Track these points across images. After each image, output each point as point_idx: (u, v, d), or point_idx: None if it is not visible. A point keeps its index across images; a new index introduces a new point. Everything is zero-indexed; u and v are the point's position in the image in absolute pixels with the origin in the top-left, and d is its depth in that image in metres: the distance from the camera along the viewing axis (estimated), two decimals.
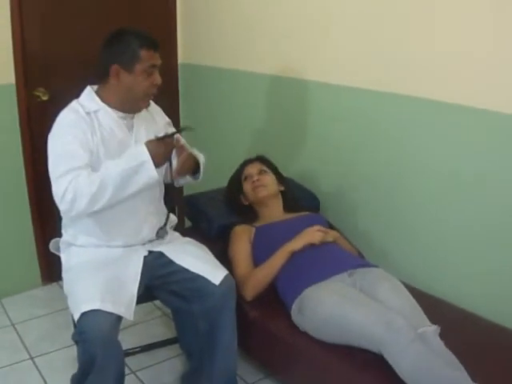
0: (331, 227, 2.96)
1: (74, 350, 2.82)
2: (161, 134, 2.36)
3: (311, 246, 2.62)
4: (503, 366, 2.18)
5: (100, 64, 2.38)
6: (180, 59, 4.13)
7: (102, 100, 2.41)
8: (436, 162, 2.70)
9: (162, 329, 3.29)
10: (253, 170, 3.01)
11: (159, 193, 2.62)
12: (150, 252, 2.50)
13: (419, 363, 2.00)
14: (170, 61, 4.01)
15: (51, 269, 3.65)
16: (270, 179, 2.98)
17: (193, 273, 2.42)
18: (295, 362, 2.46)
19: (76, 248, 2.47)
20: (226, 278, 2.44)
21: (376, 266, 2.61)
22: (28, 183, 3.51)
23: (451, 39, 2.50)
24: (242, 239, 2.81)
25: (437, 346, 2.11)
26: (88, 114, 2.36)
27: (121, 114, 2.44)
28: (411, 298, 2.36)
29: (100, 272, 2.32)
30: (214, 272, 2.45)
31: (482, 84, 2.43)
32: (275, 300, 2.59)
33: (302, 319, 2.42)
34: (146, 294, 2.46)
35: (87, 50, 3.54)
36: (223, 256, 2.72)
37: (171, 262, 2.47)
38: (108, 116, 2.39)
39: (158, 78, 2.38)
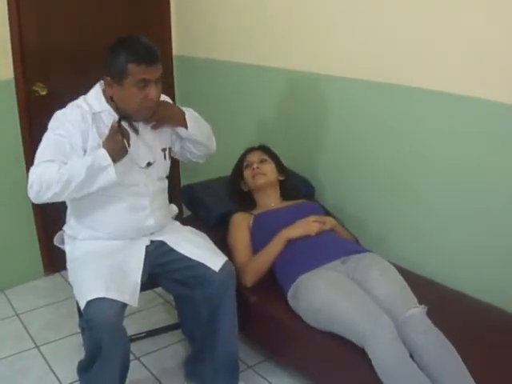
0: (328, 214, 3.03)
1: (78, 338, 2.92)
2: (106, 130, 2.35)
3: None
4: (490, 343, 2.26)
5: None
6: (174, 51, 4.16)
7: (107, 101, 2.40)
8: (426, 150, 2.76)
9: (164, 315, 3.36)
10: (254, 158, 3.09)
11: (163, 187, 2.66)
12: (152, 241, 2.55)
13: (396, 362, 2.10)
14: (165, 53, 4.03)
15: (53, 259, 3.72)
16: (269, 168, 3.06)
17: (193, 260, 2.48)
18: (294, 345, 2.55)
19: (79, 241, 2.52)
20: (225, 264, 2.50)
21: (369, 251, 2.69)
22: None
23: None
24: (241, 227, 2.88)
25: (424, 326, 2.20)
26: (97, 113, 2.38)
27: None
28: (401, 280, 2.44)
29: (104, 261, 2.38)
30: (213, 259, 2.50)
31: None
32: (274, 285, 2.66)
33: (296, 305, 2.51)
34: (149, 281, 2.52)
35: (84, 45, 3.63)
36: (223, 243, 2.78)
37: (172, 250, 2.53)
38: (111, 118, 2.37)
39: (152, 92, 2.32)
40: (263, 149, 3.17)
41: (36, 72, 3.49)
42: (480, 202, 2.60)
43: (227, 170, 3.23)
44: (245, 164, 3.12)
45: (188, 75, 4.09)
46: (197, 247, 2.55)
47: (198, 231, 2.71)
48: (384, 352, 2.12)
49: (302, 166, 3.37)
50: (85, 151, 2.33)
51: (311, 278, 2.47)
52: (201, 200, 3.20)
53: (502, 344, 2.26)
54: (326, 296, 2.36)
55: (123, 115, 2.37)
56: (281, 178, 3.12)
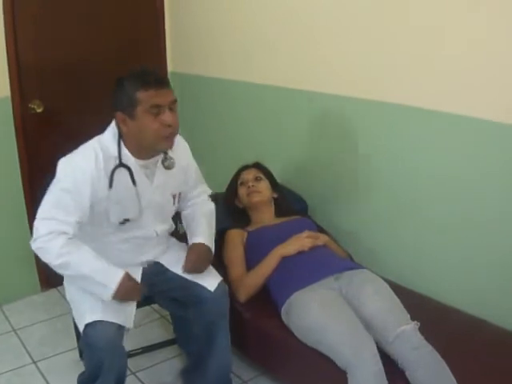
0: (321, 230, 3.07)
1: (75, 354, 2.95)
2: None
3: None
4: (481, 358, 2.29)
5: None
6: (169, 68, 4.18)
7: (125, 144, 2.33)
8: (420, 165, 2.79)
9: (160, 331, 3.38)
10: (249, 175, 3.13)
11: (168, 228, 2.69)
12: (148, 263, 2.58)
13: None
14: (160, 70, 4.04)
15: (49, 275, 3.63)
16: (264, 186, 3.10)
17: (188, 280, 2.51)
18: (288, 360, 2.58)
19: None
20: (220, 284, 2.52)
21: (362, 268, 2.71)
22: (25, 193, 3.58)
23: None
24: (236, 243, 2.92)
25: (416, 342, 2.23)
26: (109, 158, 2.31)
27: (141, 162, 2.38)
28: (394, 297, 2.48)
29: None
30: (208, 279, 2.52)
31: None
32: (268, 300, 2.69)
33: (288, 320, 2.55)
34: (144, 299, 2.52)
35: (81, 62, 3.66)
36: (217, 260, 2.80)
37: (167, 269, 2.57)
38: (122, 170, 2.32)
39: (167, 118, 2.21)
40: (258, 166, 3.20)
41: (32, 89, 3.51)
42: (474, 216, 2.63)
43: (222, 188, 3.24)
44: (239, 181, 3.15)
45: (183, 92, 4.11)
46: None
47: None
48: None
49: (296, 183, 3.41)
50: (91, 206, 2.29)
51: (304, 296, 2.50)
52: None
53: (497, 359, 2.29)
54: (317, 318, 2.40)
55: (124, 163, 2.33)
56: (274, 196, 3.16)
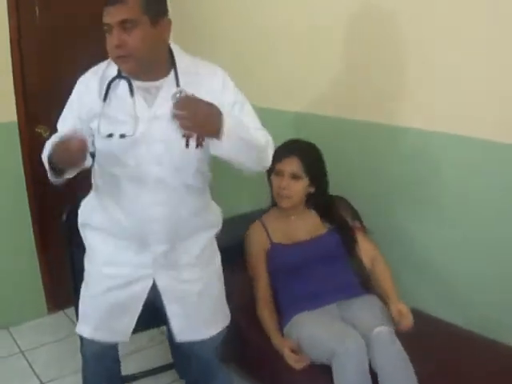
0: (355, 215, 2.87)
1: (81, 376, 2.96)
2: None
3: (309, 267, 2.67)
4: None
5: None
6: None
7: None
8: (443, 189, 2.75)
9: (165, 354, 3.32)
10: (286, 168, 2.71)
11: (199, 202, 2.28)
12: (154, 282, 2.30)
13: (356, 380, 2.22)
14: None
15: (56, 297, 3.78)
16: (298, 188, 2.72)
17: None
18: (291, 378, 2.54)
19: (89, 231, 2.34)
20: (220, 332, 2.41)
21: (368, 293, 2.68)
22: (33, 216, 3.62)
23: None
24: (259, 253, 2.76)
25: (391, 346, 2.29)
26: (106, 77, 2.13)
27: (141, 83, 2.09)
28: (380, 306, 2.56)
29: (105, 296, 2.26)
30: (209, 324, 2.37)
31: None
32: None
33: (289, 338, 2.57)
34: (149, 318, 2.43)
35: None
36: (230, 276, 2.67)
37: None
38: (122, 86, 2.10)
39: (112, 39, 1.97)
40: (301, 156, 2.73)
41: (39, 114, 3.56)
42: (486, 235, 2.61)
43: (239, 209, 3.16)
44: (276, 168, 2.73)
45: None
46: (197, 307, 2.33)
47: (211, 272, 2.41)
48: (343, 376, 2.23)
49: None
50: (88, 111, 2.12)
51: (306, 321, 2.54)
52: None
53: None
54: (310, 328, 2.48)
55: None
56: (311, 191, 2.80)
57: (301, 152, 2.74)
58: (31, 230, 3.65)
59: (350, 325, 2.46)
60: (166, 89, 2.06)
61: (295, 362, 2.43)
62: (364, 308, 2.56)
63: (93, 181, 2.31)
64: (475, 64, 2.50)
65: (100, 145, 2.11)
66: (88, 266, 2.34)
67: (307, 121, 3.31)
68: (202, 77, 2.13)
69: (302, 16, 3.22)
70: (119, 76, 2.10)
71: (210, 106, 1.93)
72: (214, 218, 2.39)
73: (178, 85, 2.07)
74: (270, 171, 2.71)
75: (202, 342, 2.36)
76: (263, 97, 3.26)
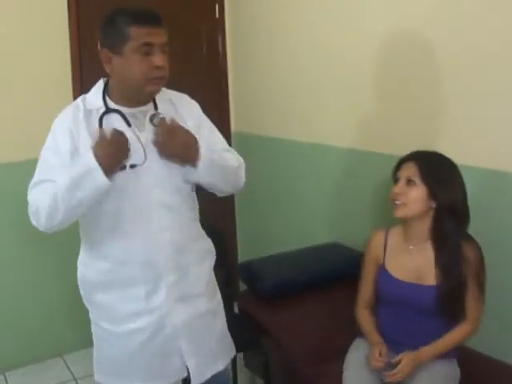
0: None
1: None
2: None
3: (399, 311, 2.47)
4: None
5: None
6: (233, 128, 4.34)
7: (109, 95, 2.13)
8: None
9: None
10: (402, 173, 2.43)
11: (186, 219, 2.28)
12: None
13: None
14: (224, 130, 4.17)
15: None
16: (414, 196, 2.37)
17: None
18: None
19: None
20: (222, 371, 2.39)
21: (448, 358, 2.43)
22: None
23: None
24: (370, 266, 2.60)
25: None
26: (89, 111, 2.10)
27: (128, 109, 2.12)
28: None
29: (143, 350, 2.24)
30: (219, 358, 2.37)
31: None
32: (330, 358, 2.63)
33: None
34: None
35: None
36: (279, 318, 2.74)
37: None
38: (111, 116, 2.10)
39: (157, 60, 1.98)
40: (419, 161, 2.40)
41: None
42: None
43: (286, 246, 3.14)
44: (395, 176, 2.48)
45: (246, 152, 4.13)
46: (207, 340, 2.34)
47: (221, 312, 2.45)
48: None
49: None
50: (73, 154, 2.06)
51: (354, 349, 2.55)
52: (257, 272, 3.11)
53: None
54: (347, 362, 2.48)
55: (114, 108, 2.11)
56: (433, 206, 2.39)
57: (419, 156, 2.44)
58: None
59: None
60: (148, 114, 2.15)
61: (373, 360, 2.36)
62: (424, 376, 2.33)
63: (83, 235, 2.29)
64: None
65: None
66: (107, 326, 2.26)
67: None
68: (176, 103, 2.25)
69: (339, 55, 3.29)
70: (107, 109, 2.11)
71: (188, 134, 2.09)
72: (210, 246, 2.41)
73: (155, 108, 2.16)
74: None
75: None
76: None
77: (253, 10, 4.07)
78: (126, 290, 2.18)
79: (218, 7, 4.25)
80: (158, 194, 2.14)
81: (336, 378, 2.51)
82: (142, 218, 2.14)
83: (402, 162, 2.46)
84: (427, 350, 2.36)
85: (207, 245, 2.39)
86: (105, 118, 2.10)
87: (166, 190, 2.16)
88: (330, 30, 3.40)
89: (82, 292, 2.35)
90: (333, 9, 3.35)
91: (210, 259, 2.40)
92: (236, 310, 3.12)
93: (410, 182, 2.37)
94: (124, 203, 2.12)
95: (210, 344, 2.34)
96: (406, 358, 2.31)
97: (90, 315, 2.33)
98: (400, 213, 2.41)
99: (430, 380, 2.32)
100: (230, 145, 2.41)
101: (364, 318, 2.60)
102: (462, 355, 2.49)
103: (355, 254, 3.20)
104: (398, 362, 2.31)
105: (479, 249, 2.40)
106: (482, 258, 2.40)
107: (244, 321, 3.03)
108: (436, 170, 2.39)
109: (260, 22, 4.01)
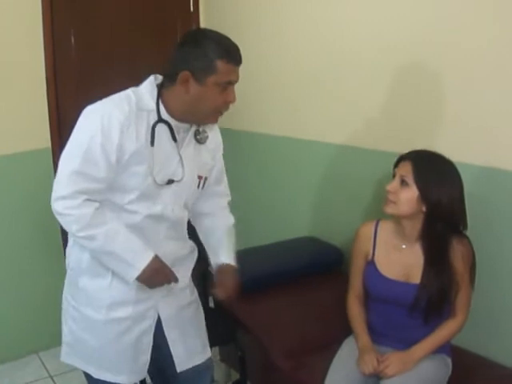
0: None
1: None
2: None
3: (386, 307, 2.49)
4: None
5: (171, 63, 2.07)
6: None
7: (162, 100, 2.10)
8: None
9: None
10: (398, 171, 2.43)
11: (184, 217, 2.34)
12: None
13: None
14: None
15: None
16: (405, 197, 2.36)
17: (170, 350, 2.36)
18: None
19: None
20: (204, 363, 2.45)
21: (438, 352, 2.44)
22: (62, 239, 3.63)
23: None
24: (359, 260, 2.61)
25: None
26: (141, 109, 2.07)
27: (175, 122, 2.13)
28: None
29: (118, 342, 2.25)
30: (201, 349, 2.45)
31: None
32: (307, 353, 2.67)
33: None
34: None
35: None
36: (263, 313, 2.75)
37: (161, 329, 2.34)
38: (161, 126, 2.10)
39: (232, 96, 2.05)
40: (416, 161, 2.39)
41: None
42: None
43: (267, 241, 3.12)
44: (394, 171, 2.48)
45: (233, 148, 3.98)
46: (192, 331, 2.42)
47: (199, 309, 2.52)
48: None
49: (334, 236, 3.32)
50: (118, 149, 2.03)
51: (344, 346, 2.57)
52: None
53: None
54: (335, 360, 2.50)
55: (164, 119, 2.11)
56: (423, 209, 2.37)
57: (416, 156, 2.42)
58: (63, 254, 3.60)
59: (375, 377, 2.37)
60: (192, 129, 2.20)
61: (364, 366, 2.37)
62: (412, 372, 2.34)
63: None
64: None
65: (142, 188, 2.11)
66: (88, 312, 2.25)
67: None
68: (210, 128, 2.28)
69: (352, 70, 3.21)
70: (160, 120, 2.10)
71: (236, 274, 2.35)
72: (191, 243, 2.46)
73: (198, 130, 2.21)
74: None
75: (199, 375, 2.44)
76: None
77: (227, 2, 4.01)
78: (117, 278, 2.19)
79: (193, 0, 4.17)
80: (176, 209, 2.24)
81: (312, 371, 2.54)
82: (155, 223, 2.19)
83: (401, 159, 2.46)
84: (417, 350, 2.39)
85: (191, 242, 2.45)
86: (156, 128, 2.10)
87: (181, 205, 2.25)
88: (316, 21, 3.32)
89: (68, 277, 2.33)
90: None
91: (195, 255, 2.46)
92: (212, 304, 3.09)
93: (403, 181, 2.37)
94: (148, 212, 2.15)
95: (197, 333, 2.44)
96: (394, 356, 2.36)
97: (72, 301, 2.30)
98: (389, 210, 2.42)
99: (418, 374, 2.34)
100: None
101: (354, 312, 2.61)
102: (454, 354, 2.51)
103: (331, 248, 3.24)
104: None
105: (470, 244, 2.42)
106: (473, 254, 2.41)
107: (220, 315, 3.02)
108: (430, 173, 2.37)
109: (234, 15, 3.94)
